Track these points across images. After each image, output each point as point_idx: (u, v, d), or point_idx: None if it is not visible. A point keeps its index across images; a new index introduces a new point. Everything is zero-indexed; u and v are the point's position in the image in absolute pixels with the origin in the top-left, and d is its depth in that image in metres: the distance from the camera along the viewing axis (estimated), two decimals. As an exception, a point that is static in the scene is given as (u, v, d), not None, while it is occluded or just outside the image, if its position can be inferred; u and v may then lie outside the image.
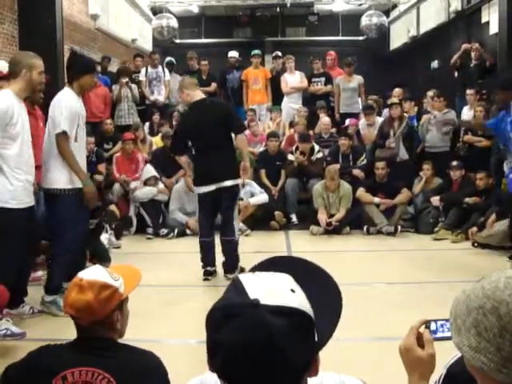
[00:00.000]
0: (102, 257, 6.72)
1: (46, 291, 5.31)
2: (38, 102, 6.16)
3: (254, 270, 1.30)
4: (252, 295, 1.13)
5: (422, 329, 1.61)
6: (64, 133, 5.09)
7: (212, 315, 1.17)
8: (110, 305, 2.18)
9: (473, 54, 10.36)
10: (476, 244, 7.59)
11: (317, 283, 1.30)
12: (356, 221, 8.88)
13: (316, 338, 1.19)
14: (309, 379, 1.23)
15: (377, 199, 8.76)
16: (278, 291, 1.16)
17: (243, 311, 1.11)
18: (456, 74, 11.14)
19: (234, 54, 12.35)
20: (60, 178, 5.20)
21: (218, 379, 1.18)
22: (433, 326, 1.61)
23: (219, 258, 6.35)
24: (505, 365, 1.19)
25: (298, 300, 1.16)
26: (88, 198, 5.28)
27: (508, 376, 1.19)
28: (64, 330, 2.30)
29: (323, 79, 11.63)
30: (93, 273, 2.21)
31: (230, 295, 1.18)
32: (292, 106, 11.33)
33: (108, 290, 2.17)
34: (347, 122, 10.46)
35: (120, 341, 2.28)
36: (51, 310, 5.20)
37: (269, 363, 1.09)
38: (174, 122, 10.73)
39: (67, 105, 5.16)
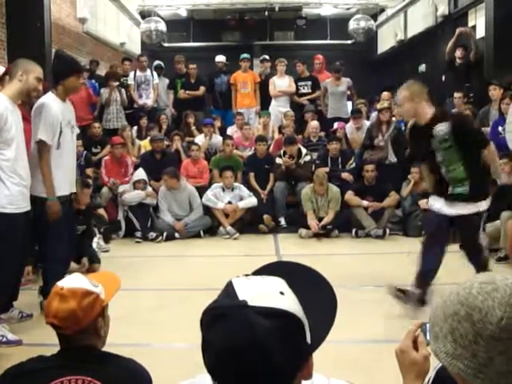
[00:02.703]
0: (92, 259, 6.72)
1: (44, 297, 5.31)
2: None
3: (254, 274, 1.33)
4: (241, 297, 1.16)
5: (418, 332, 1.63)
6: (41, 141, 5.03)
7: (203, 316, 1.19)
8: (93, 312, 2.15)
9: (458, 53, 10.45)
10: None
11: (312, 287, 1.33)
12: (344, 224, 8.90)
13: (309, 341, 1.21)
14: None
15: (365, 202, 8.80)
16: (266, 293, 1.18)
17: (231, 312, 1.14)
18: (443, 77, 11.22)
19: (221, 58, 12.35)
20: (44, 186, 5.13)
21: (211, 380, 1.19)
22: (427, 328, 1.63)
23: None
24: (481, 370, 1.20)
25: (287, 302, 1.18)
26: (50, 214, 5.08)
27: (484, 381, 1.20)
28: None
29: (310, 83, 11.66)
30: (72, 281, 2.18)
31: (221, 297, 1.20)
32: (280, 109, 11.33)
33: (90, 296, 2.14)
34: (335, 125, 10.49)
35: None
36: None
37: (254, 363, 1.11)
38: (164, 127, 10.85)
39: (46, 111, 5.04)
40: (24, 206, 4.77)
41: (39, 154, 5.07)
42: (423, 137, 5.07)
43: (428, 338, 1.60)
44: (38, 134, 5.02)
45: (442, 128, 4.91)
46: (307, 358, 1.21)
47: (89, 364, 2.09)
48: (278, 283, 1.23)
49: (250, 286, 1.20)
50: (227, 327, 1.13)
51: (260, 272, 1.33)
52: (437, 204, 5.17)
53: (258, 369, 1.11)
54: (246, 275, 1.28)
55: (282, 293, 1.19)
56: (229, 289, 1.20)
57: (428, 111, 5.06)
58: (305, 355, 1.20)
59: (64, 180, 5.26)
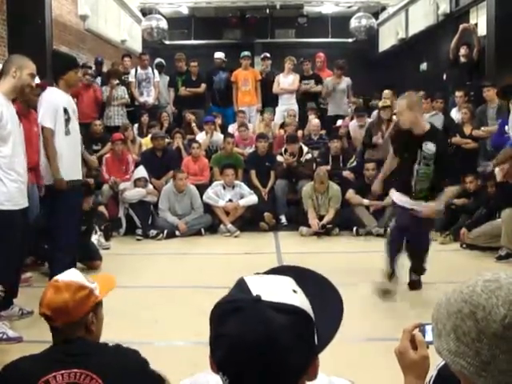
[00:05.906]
0: (93, 256, 6.72)
1: None
2: (34, 105, 6.08)
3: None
4: (254, 292, 1.17)
5: (416, 331, 1.63)
6: (46, 127, 5.28)
7: (215, 310, 1.20)
8: (85, 306, 2.20)
9: (462, 51, 10.42)
10: (464, 245, 7.63)
11: (320, 291, 1.33)
12: (345, 222, 8.90)
13: (316, 341, 1.21)
14: None
15: (366, 201, 8.79)
16: (279, 290, 1.19)
17: (245, 305, 1.14)
18: (445, 76, 11.20)
19: (220, 54, 12.31)
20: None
21: (219, 375, 1.17)
22: (425, 329, 1.62)
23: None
24: (484, 368, 1.20)
25: (299, 300, 1.19)
26: (57, 189, 5.33)
27: (487, 379, 1.20)
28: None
29: (313, 81, 11.67)
30: (69, 275, 2.25)
31: (234, 292, 1.21)
32: (285, 107, 11.37)
33: (84, 290, 2.20)
34: (339, 122, 10.51)
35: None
36: None
37: (267, 358, 1.11)
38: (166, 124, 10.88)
39: (47, 99, 5.33)
40: (21, 202, 4.80)
41: (44, 138, 5.31)
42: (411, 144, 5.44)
43: (427, 338, 1.60)
44: (42, 119, 5.29)
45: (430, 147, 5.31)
46: (314, 358, 1.22)
47: (79, 356, 2.11)
48: (290, 282, 1.24)
49: (263, 282, 1.21)
50: (242, 321, 1.13)
51: (268, 274, 1.33)
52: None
53: (270, 364, 1.12)
54: (257, 274, 1.28)
55: (294, 291, 1.20)
56: (241, 285, 1.20)
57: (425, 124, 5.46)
58: (312, 355, 1.21)
59: (73, 166, 5.50)
